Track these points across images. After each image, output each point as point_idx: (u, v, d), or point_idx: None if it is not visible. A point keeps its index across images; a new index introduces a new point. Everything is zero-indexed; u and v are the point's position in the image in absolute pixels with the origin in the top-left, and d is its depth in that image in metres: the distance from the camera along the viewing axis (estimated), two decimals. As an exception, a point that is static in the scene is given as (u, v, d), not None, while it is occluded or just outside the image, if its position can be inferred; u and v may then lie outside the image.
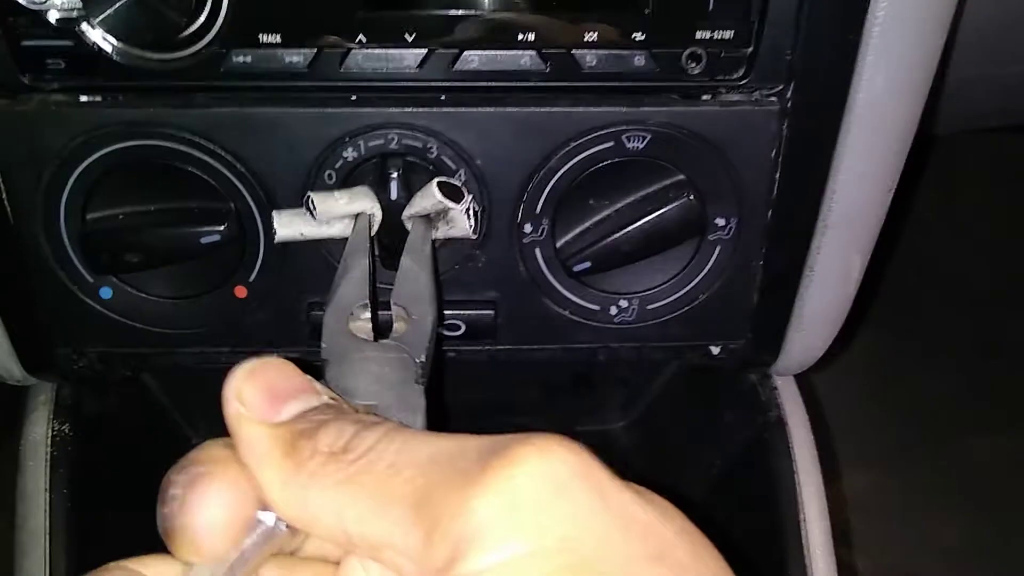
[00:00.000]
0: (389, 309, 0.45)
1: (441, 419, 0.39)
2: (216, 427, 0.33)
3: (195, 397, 0.79)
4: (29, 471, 0.64)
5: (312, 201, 0.52)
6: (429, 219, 0.54)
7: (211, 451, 0.33)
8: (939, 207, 1.90)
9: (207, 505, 0.31)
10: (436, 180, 0.53)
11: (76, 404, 0.67)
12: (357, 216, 0.53)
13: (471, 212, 0.54)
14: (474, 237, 0.56)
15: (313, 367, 0.37)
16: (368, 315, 0.43)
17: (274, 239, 0.55)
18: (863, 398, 1.71)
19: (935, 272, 1.91)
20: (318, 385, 0.35)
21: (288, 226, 0.54)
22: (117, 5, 0.48)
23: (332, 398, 0.35)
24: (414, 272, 0.48)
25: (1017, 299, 1.87)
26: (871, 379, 1.75)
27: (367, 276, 0.46)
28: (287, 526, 0.32)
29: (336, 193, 0.53)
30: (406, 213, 0.54)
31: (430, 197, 0.53)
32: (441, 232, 0.55)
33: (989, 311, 1.85)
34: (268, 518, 0.32)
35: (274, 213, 0.54)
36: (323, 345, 0.41)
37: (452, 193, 0.53)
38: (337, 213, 0.53)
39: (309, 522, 0.31)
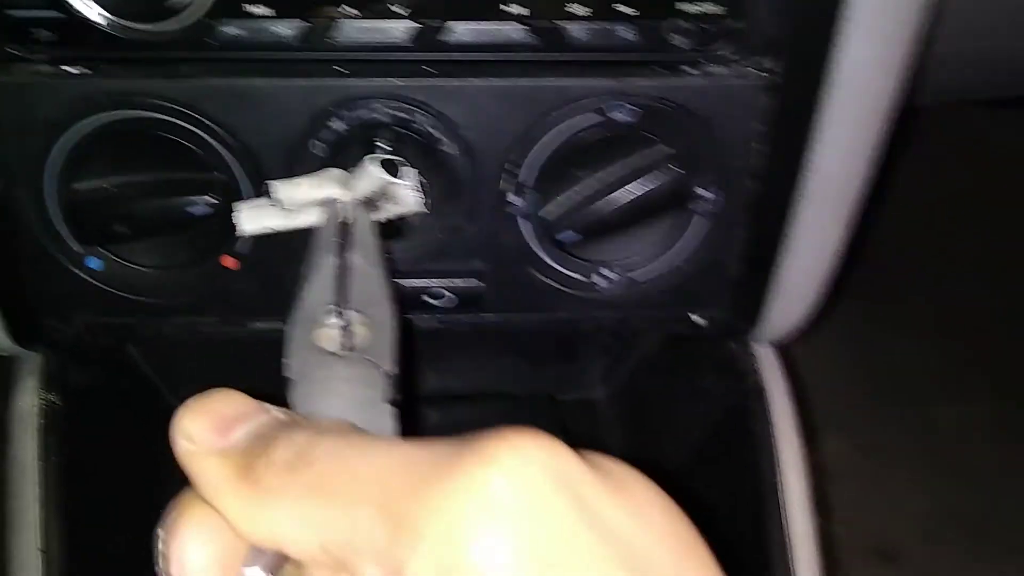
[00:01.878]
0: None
1: (415, 412, 0.36)
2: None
3: (178, 367, 0.79)
4: (18, 441, 0.64)
5: (274, 188, 0.50)
6: (369, 202, 0.50)
7: (184, 495, 0.31)
8: (916, 180, 1.91)
9: (187, 550, 0.30)
10: (368, 157, 0.50)
11: (64, 374, 0.67)
12: (326, 205, 0.49)
13: (419, 183, 0.52)
14: (425, 211, 0.54)
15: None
16: (335, 321, 0.40)
17: (237, 233, 0.52)
18: (836, 367, 1.73)
19: (908, 243, 1.93)
20: (268, 406, 0.33)
21: (254, 220, 0.52)
22: (104, -26, 0.48)
23: (286, 415, 0.33)
24: (364, 270, 0.44)
25: (990, 271, 1.89)
26: (845, 348, 1.76)
27: (334, 276, 0.43)
28: None
29: (299, 179, 0.51)
30: (349, 198, 0.50)
31: (370, 177, 0.49)
32: (385, 213, 0.51)
33: (962, 282, 1.88)
34: (254, 573, 0.30)
35: (235, 206, 0.53)
36: (287, 362, 0.38)
37: (392, 167, 0.51)
38: (301, 200, 0.50)
39: (280, 540, 0.28)
